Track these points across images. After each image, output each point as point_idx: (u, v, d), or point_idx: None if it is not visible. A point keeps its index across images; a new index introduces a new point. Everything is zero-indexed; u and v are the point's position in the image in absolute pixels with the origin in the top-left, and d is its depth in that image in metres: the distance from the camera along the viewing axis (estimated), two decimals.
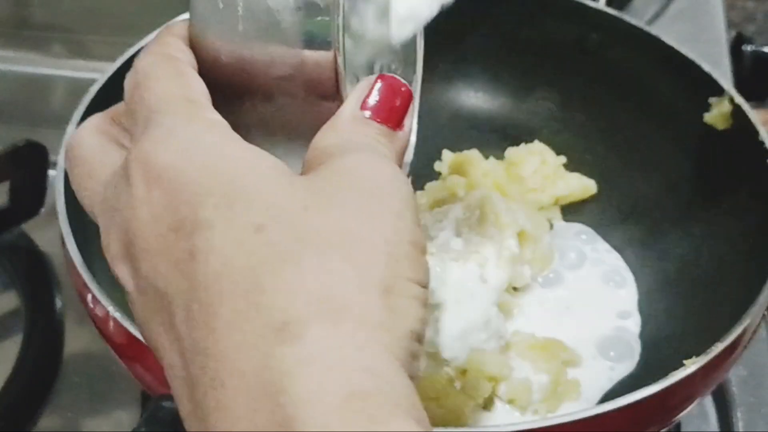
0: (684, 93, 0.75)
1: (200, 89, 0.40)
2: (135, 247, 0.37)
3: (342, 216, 0.36)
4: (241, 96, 0.42)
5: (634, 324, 0.71)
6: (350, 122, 0.40)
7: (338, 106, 0.41)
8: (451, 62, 0.82)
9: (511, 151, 0.79)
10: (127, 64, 0.70)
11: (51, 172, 0.78)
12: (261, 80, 0.41)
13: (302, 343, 0.33)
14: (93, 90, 0.70)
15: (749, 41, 0.93)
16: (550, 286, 0.73)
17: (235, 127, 0.40)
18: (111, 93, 0.70)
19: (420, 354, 0.36)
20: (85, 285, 0.60)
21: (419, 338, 0.36)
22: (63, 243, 0.63)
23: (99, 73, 0.72)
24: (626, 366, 0.68)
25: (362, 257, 0.35)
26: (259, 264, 0.34)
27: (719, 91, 0.72)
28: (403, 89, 0.41)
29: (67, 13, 0.96)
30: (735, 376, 0.72)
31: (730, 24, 0.99)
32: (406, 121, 0.41)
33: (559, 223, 0.78)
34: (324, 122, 0.41)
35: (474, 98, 0.83)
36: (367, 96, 0.40)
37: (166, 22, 0.72)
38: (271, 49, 0.41)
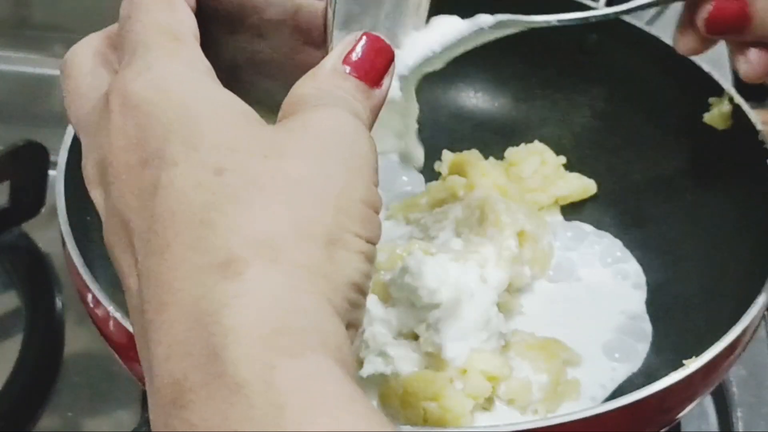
0: (684, 93, 0.75)
1: (188, 24, 0.42)
2: (107, 173, 0.39)
3: (298, 166, 0.37)
4: (233, 32, 0.44)
5: (642, 324, 0.71)
6: (330, 74, 0.41)
7: (323, 56, 0.42)
8: (452, 63, 0.82)
9: (511, 151, 0.79)
10: None
11: (51, 172, 0.78)
12: (255, 19, 0.43)
13: (240, 279, 0.35)
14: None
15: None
16: (551, 285, 0.73)
17: (223, 61, 0.42)
18: None
19: (361, 304, 0.38)
20: (85, 285, 0.60)
21: (361, 290, 0.38)
22: (63, 243, 0.63)
23: None
24: (629, 366, 0.68)
25: (311, 207, 0.37)
26: (212, 204, 0.36)
27: (719, 91, 0.72)
28: (385, 49, 0.42)
29: (67, 13, 0.96)
30: (735, 376, 0.72)
31: None
32: (385, 80, 0.42)
33: (558, 218, 0.78)
34: (307, 70, 0.42)
35: (474, 98, 0.83)
36: (350, 51, 0.42)
37: None
38: None
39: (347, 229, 0.37)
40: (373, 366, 0.64)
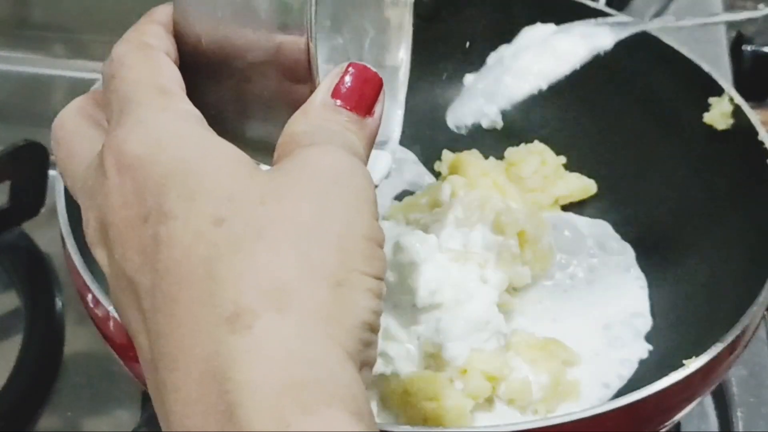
0: (684, 93, 0.75)
1: (172, 76, 0.42)
2: (108, 233, 0.39)
3: (297, 210, 0.37)
4: (220, 79, 0.43)
5: (642, 324, 0.71)
6: (320, 109, 0.41)
7: (311, 91, 0.42)
8: (452, 63, 0.82)
9: (511, 151, 0.79)
10: None
11: (51, 172, 0.78)
12: (239, 63, 0.42)
13: (250, 333, 0.35)
14: (93, 90, 0.70)
15: (749, 41, 0.93)
16: (551, 285, 0.73)
17: (211, 108, 0.42)
18: None
19: (373, 342, 0.38)
20: (85, 285, 0.60)
21: (372, 328, 0.37)
22: (63, 243, 0.63)
23: (99, 73, 0.71)
24: (629, 366, 0.68)
25: (314, 250, 0.36)
26: (215, 255, 0.36)
27: (719, 91, 0.72)
28: (372, 77, 0.42)
29: (67, 13, 0.96)
30: (735, 376, 0.72)
31: (730, 24, 0.99)
32: (376, 108, 0.42)
33: (558, 218, 0.78)
34: (298, 107, 0.42)
35: None
36: (338, 83, 0.41)
37: None
38: (248, 33, 0.42)
39: (353, 268, 0.37)
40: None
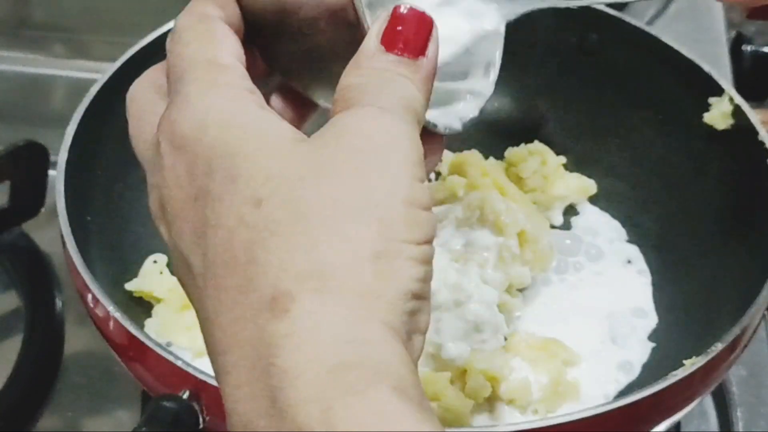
0: (684, 93, 0.75)
1: (229, 48, 0.41)
2: (167, 209, 0.39)
3: (335, 185, 0.37)
4: (284, 36, 0.43)
5: (642, 324, 0.71)
6: (372, 58, 0.40)
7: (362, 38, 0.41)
8: None
9: (511, 151, 0.79)
10: (127, 64, 0.71)
11: (51, 172, 0.78)
12: (294, 21, 0.42)
13: (290, 317, 0.34)
14: (93, 90, 0.70)
15: (749, 41, 0.93)
16: (551, 285, 0.73)
17: (287, 65, 0.42)
18: (111, 93, 0.70)
19: (422, 309, 0.37)
20: (85, 285, 0.60)
21: (419, 296, 0.37)
22: (63, 243, 0.63)
23: (99, 73, 0.72)
24: (629, 366, 0.68)
25: (352, 226, 0.36)
26: (255, 238, 0.36)
27: (719, 91, 0.72)
28: (421, 17, 0.41)
29: (67, 13, 0.96)
30: (735, 376, 0.72)
31: (730, 24, 0.99)
32: (430, 48, 0.41)
33: (558, 217, 0.78)
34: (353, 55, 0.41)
35: None
36: (387, 28, 0.40)
37: (166, 22, 0.72)
38: None
39: (393, 238, 0.36)
40: None
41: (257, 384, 0.34)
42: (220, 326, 0.36)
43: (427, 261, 0.37)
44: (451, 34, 0.47)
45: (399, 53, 0.40)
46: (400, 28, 0.40)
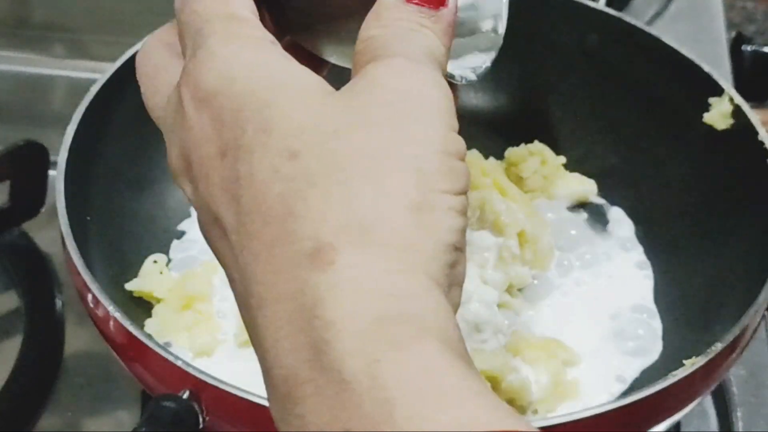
0: (684, 93, 0.75)
1: (244, 3, 0.41)
2: (193, 166, 0.39)
3: (371, 136, 0.36)
4: (312, 11, 0.43)
5: (642, 323, 0.71)
6: (392, 9, 0.40)
7: None
8: None
9: (511, 151, 0.79)
10: (127, 64, 0.71)
11: (51, 172, 0.78)
12: None
13: (333, 269, 0.34)
14: (93, 90, 0.70)
15: (749, 41, 0.93)
16: (551, 285, 0.73)
17: (291, 19, 0.42)
18: (111, 93, 0.70)
19: (459, 261, 0.37)
20: (85, 285, 0.60)
21: (458, 248, 0.37)
22: (63, 243, 0.63)
23: (99, 73, 0.72)
24: (630, 366, 0.68)
25: (390, 178, 0.36)
26: (292, 191, 0.36)
27: (719, 91, 0.72)
28: None
29: (67, 13, 0.96)
30: (735, 376, 0.72)
31: (730, 24, 0.99)
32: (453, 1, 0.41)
33: (558, 216, 0.78)
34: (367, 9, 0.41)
35: (474, 98, 0.83)
36: None
37: (166, 22, 0.72)
38: None
39: (431, 188, 0.36)
40: None
41: (300, 336, 0.34)
42: (256, 279, 0.36)
43: (464, 211, 0.37)
44: None
45: (419, 3, 0.40)
46: None
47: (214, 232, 0.39)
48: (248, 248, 0.36)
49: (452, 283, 0.36)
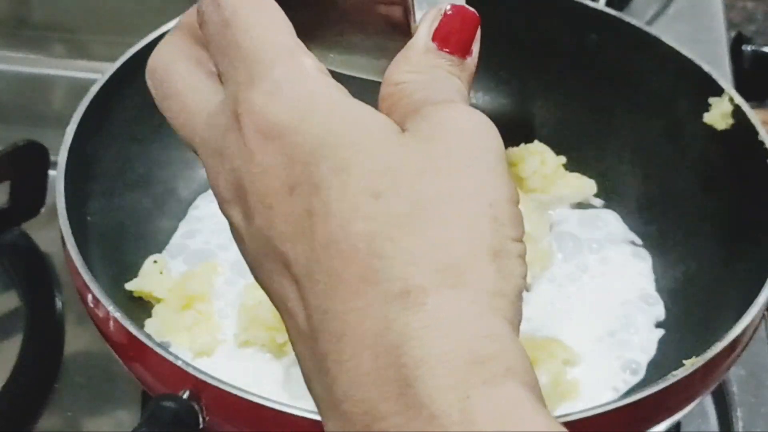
0: (684, 93, 0.75)
1: (291, 29, 0.40)
2: (249, 197, 0.38)
3: (454, 181, 0.37)
4: (319, 20, 0.42)
5: (646, 324, 0.71)
6: (423, 54, 0.40)
7: (408, 27, 0.41)
8: None
9: (510, 151, 0.79)
10: (127, 64, 0.71)
11: (51, 172, 0.78)
12: (339, 13, 0.42)
13: (424, 310, 0.35)
14: (93, 90, 0.70)
15: (749, 41, 0.93)
16: (551, 285, 0.73)
17: (312, 45, 0.40)
18: (111, 93, 0.70)
19: (521, 305, 0.38)
20: (85, 285, 0.60)
21: (522, 293, 0.37)
22: (63, 243, 0.63)
23: (99, 73, 0.72)
24: (630, 366, 0.68)
25: (473, 223, 0.36)
26: (377, 231, 0.36)
27: (719, 91, 0.72)
28: (471, 16, 0.41)
29: (67, 13, 0.96)
30: (735, 376, 0.72)
31: (730, 24, 0.99)
32: (474, 48, 0.41)
33: (559, 213, 0.78)
34: (394, 43, 0.41)
35: (474, 98, 0.83)
36: (438, 26, 0.41)
37: (166, 22, 0.72)
38: None
39: (505, 235, 0.37)
40: None
41: (385, 373, 0.34)
42: (334, 316, 0.36)
43: (525, 257, 0.38)
44: None
45: (450, 52, 0.41)
46: (451, 27, 0.41)
47: (270, 266, 0.38)
48: (324, 283, 0.36)
49: (517, 328, 0.37)
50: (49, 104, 0.92)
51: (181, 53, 0.42)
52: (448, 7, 0.41)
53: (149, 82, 0.42)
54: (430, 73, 0.40)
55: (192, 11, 0.43)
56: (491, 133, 0.39)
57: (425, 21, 0.41)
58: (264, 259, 0.38)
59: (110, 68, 0.71)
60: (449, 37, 0.41)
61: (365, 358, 0.35)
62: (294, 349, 0.38)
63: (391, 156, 0.37)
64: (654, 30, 0.77)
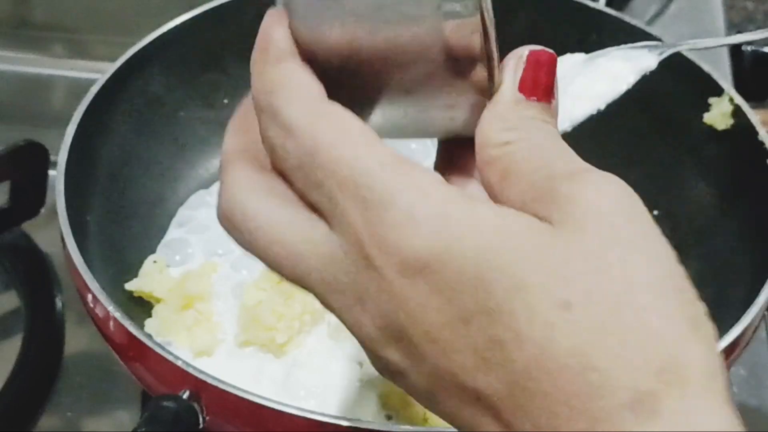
0: (684, 93, 0.75)
1: (374, 134, 0.37)
2: (411, 336, 0.36)
3: (627, 268, 0.35)
4: (366, 84, 0.38)
5: None
6: (513, 107, 0.38)
7: (473, 68, 0.38)
8: None
9: None
10: (127, 64, 0.71)
11: (51, 172, 0.78)
12: (398, 79, 0.38)
13: (660, 417, 0.33)
14: (93, 90, 0.70)
15: (749, 41, 0.93)
16: None
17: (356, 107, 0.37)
18: (111, 93, 0.70)
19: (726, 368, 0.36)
20: (85, 285, 0.60)
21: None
22: (63, 243, 0.63)
23: (99, 73, 0.72)
24: None
25: (664, 305, 0.34)
26: (581, 342, 0.33)
27: (719, 91, 0.72)
28: (549, 59, 0.39)
29: (67, 13, 0.96)
30: (735, 376, 0.72)
31: (730, 24, 0.99)
32: (556, 90, 0.39)
33: None
34: (452, 90, 0.39)
35: None
36: (523, 75, 0.38)
37: (166, 22, 0.72)
38: (402, 26, 0.37)
39: (691, 301, 0.36)
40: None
41: None
42: None
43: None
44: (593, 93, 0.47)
45: (537, 100, 0.38)
46: (535, 74, 0.38)
47: (454, 400, 0.36)
48: (536, 409, 0.34)
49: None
50: (49, 104, 0.92)
51: (254, 190, 0.38)
52: (527, 52, 0.39)
53: (230, 232, 0.38)
54: (526, 127, 0.38)
55: (233, 140, 0.39)
56: (632, 196, 0.37)
57: (508, 71, 0.39)
58: (445, 394, 0.36)
59: (110, 68, 0.71)
60: (535, 85, 0.38)
61: None
62: None
63: (560, 260, 0.34)
64: (654, 30, 0.77)
